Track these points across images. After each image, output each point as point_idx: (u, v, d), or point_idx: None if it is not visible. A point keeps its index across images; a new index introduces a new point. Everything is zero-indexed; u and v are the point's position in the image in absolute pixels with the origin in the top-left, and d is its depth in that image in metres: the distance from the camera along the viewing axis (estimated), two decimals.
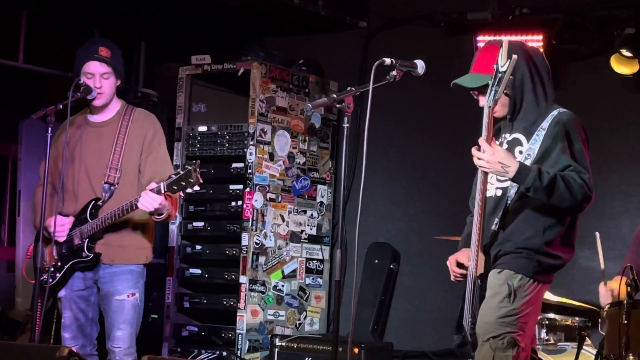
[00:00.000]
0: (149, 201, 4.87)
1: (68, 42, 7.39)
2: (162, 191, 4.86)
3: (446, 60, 6.94)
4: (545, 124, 4.22)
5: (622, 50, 6.49)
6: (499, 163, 4.06)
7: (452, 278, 4.42)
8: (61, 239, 5.13)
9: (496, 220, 4.25)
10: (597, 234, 5.43)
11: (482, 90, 4.26)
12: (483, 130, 4.10)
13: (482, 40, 6.87)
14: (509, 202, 4.24)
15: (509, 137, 4.32)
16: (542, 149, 4.19)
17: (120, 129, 5.22)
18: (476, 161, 4.11)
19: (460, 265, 4.35)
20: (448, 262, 4.41)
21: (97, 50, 5.13)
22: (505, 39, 4.21)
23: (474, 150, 4.11)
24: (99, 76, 5.14)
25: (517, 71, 4.22)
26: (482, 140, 4.08)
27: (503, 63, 4.06)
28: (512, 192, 4.24)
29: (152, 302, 7.20)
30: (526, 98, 4.27)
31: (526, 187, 4.09)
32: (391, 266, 7.36)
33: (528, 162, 4.19)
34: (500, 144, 4.34)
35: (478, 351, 4.21)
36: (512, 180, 4.11)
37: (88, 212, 5.12)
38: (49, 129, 4.96)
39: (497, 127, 4.42)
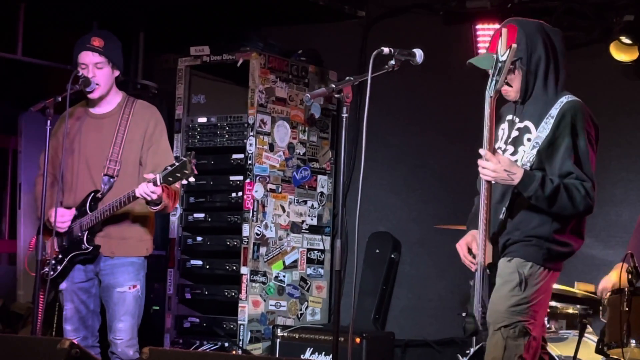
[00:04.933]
0: (146, 190, 4.87)
1: (66, 34, 7.38)
2: (158, 183, 4.86)
3: (445, 49, 6.94)
4: (554, 111, 4.18)
5: (621, 37, 6.47)
6: (505, 171, 4.07)
7: (463, 261, 4.36)
8: (62, 230, 5.13)
9: (503, 209, 4.24)
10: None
11: None
12: (485, 120, 4.09)
13: (481, 28, 6.86)
14: (516, 190, 4.22)
15: (519, 124, 4.29)
16: (548, 140, 4.16)
17: (121, 121, 5.22)
18: (481, 170, 4.10)
19: (470, 250, 4.31)
20: (458, 246, 4.35)
21: (89, 40, 5.14)
22: (516, 22, 4.20)
23: (479, 162, 4.10)
24: (92, 66, 5.13)
25: (535, 54, 4.20)
26: (484, 152, 4.08)
27: (503, 52, 4.05)
28: None
29: (153, 294, 7.21)
30: (537, 82, 4.23)
31: (528, 195, 4.09)
32: (392, 255, 7.36)
33: (535, 151, 4.17)
34: (509, 130, 4.31)
35: (489, 340, 4.19)
36: (516, 187, 4.11)
37: (87, 204, 5.13)
38: (48, 121, 4.96)
39: (500, 113, 4.39)
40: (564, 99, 4.22)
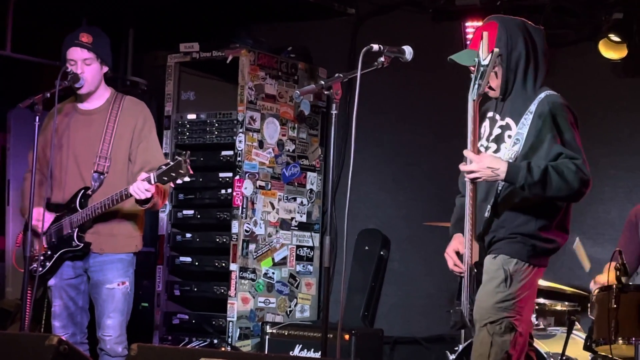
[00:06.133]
0: (141, 188, 4.87)
1: (56, 31, 7.35)
2: (152, 182, 4.85)
3: (435, 47, 6.93)
4: (533, 107, 4.22)
5: (610, 35, 6.49)
6: (488, 168, 4.08)
7: (452, 269, 4.38)
8: (38, 229, 5.10)
9: (488, 207, 4.26)
10: (577, 239, 5.47)
11: None
12: (469, 123, 4.11)
13: (471, 26, 6.88)
14: (500, 188, 4.24)
15: (501, 121, 4.32)
16: (531, 135, 4.19)
17: (110, 117, 5.21)
18: (466, 175, 4.12)
19: (457, 254, 4.33)
20: (446, 255, 4.37)
21: (78, 36, 5.13)
22: (497, 21, 4.23)
23: (461, 166, 4.13)
24: (80, 62, 5.12)
25: (515, 51, 4.23)
26: (467, 152, 4.10)
27: (485, 57, 4.07)
28: None
29: (142, 291, 7.19)
30: (517, 79, 4.27)
31: (520, 185, 4.09)
32: (381, 253, 7.36)
33: (517, 147, 4.20)
34: (490, 126, 4.34)
35: (476, 337, 4.21)
36: (505, 181, 4.12)
37: (77, 201, 5.11)
38: (37, 117, 4.94)
39: (483, 110, 4.41)
40: (542, 95, 4.26)
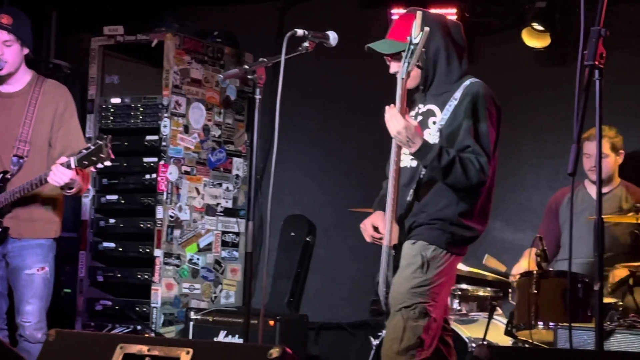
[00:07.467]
0: (59, 175, 4.79)
1: None
2: (73, 166, 4.78)
3: (361, 33, 6.93)
4: (458, 93, 4.27)
5: (533, 24, 6.57)
6: (407, 137, 4.10)
7: (368, 239, 4.41)
8: None
9: (411, 191, 4.29)
10: (486, 255, 5.56)
11: (395, 56, 4.29)
12: (397, 102, 4.13)
13: (397, 13, 6.89)
14: (422, 173, 4.28)
15: (423, 108, 4.36)
16: (450, 120, 4.24)
17: (31, 101, 5.12)
18: (388, 122, 4.13)
19: (376, 229, 4.35)
20: (362, 226, 4.39)
21: None
22: (420, 11, 4.25)
23: (388, 111, 4.13)
24: (0, 44, 5.04)
25: (432, 44, 4.27)
26: (394, 112, 4.10)
27: (416, 35, 4.10)
28: None
29: (65, 277, 7.12)
30: (439, 70, 4.31)
31: (424, 164, 4.16)
32: (307, 239, 7.36)
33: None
34: (415, 115, 4.37)
35: (390, 321, 4.23)
36: (412, 155, 4.17)
37: None
38: None
39: (412, 98, 4.45)
40: (467, 82, 4.31)
